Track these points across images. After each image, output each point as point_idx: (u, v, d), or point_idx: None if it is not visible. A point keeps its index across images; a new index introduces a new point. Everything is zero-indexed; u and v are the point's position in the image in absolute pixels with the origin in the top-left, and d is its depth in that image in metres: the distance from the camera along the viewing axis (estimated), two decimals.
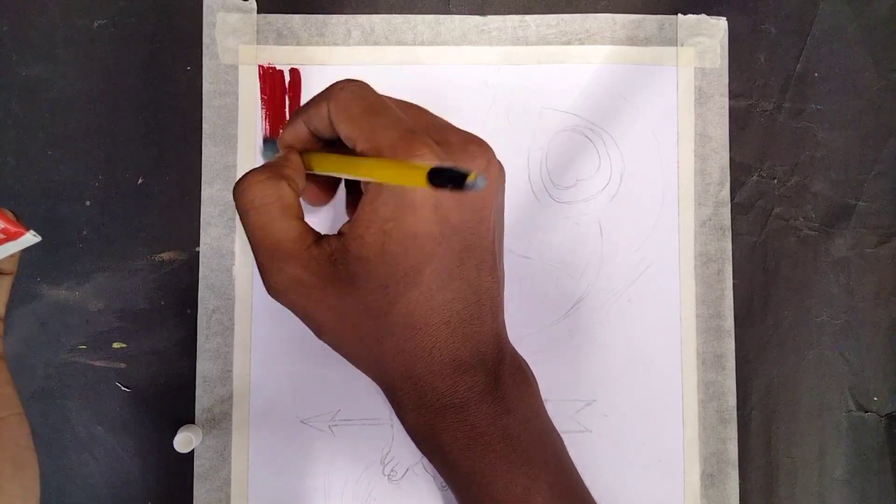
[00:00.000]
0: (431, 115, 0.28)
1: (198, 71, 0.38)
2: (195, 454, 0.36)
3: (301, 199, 0.29)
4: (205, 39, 0.38)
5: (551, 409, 0.38)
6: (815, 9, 0.40)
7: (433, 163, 0.24)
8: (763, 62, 0.40)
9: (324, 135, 0.28)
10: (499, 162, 0.28)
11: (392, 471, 0.37)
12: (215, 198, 0.37)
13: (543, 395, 0.38)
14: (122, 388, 0.37)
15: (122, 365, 0.37)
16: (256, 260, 0.27)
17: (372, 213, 0.25)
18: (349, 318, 0.27)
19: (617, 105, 0.39)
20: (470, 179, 0.20)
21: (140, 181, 0.38)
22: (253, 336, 0.37)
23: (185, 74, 0.38)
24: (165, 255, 0.37)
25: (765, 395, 0.39)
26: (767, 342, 0.39)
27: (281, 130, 0.30)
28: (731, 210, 0.39)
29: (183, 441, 0.34)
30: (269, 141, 0.37)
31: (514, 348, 0.30)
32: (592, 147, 0.38)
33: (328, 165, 0.28)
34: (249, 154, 0.37)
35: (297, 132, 0.29)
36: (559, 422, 0.37)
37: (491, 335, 0.28)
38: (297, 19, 0.38)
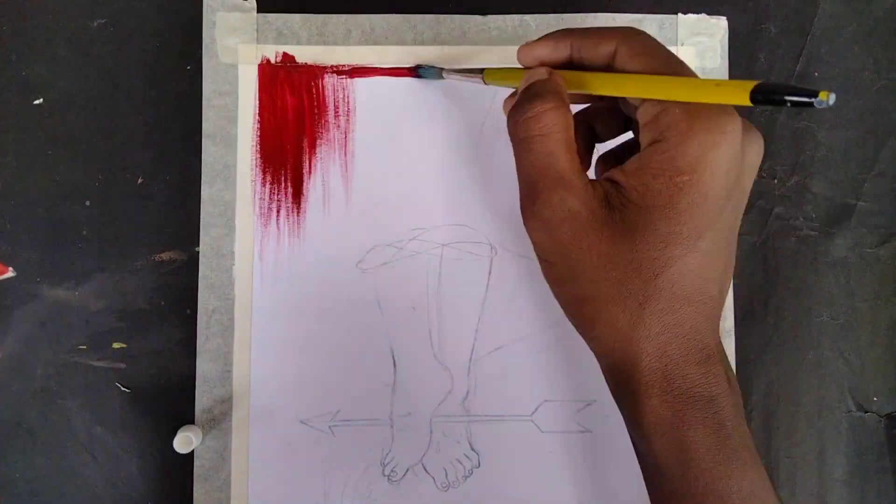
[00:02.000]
0: None
1: (198, 71, 0.38)
2: (195, 454, 0.36)
3: None
4: (205, 39, 0.38)
5: (552, 410, 0.38)
6: (815, 9, 0.40)
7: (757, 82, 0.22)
8: (763, 62, 0.40)
9: (584, 66, 0.28)
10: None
11: (392, 471, 0.37)
12: (215, 198, 0.37)
13: (544, 395, 0.38)
14: (122, 388, 0.37)
15: (122, 365, 0.37)
16: (530, 189, 0.26)
17: (667, 161, 0.24)
18: (616, 269, 0.24)
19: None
20: (822, 98, 0.19)
21: (140, 181, 0.38)
22: (253, 336, 0.37)
23: (185, 74, 0.38)
24: (165, 255, 0.37)
25: (765, 395, 0.39)
26: (767, 342, 0.39)
27: (523, 47, 0.30)
28: None
29: (183, 441, 0.34)
30: (425, 67, 0.37)
31: None
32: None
33: (608, 85, 0.26)
34: (249, 154, 0.37)
35: (555, 52, 0.28)
36: (559, 422, 0.38)
37: (718, 325, 0.26)
38: (297, 18, 0.38)
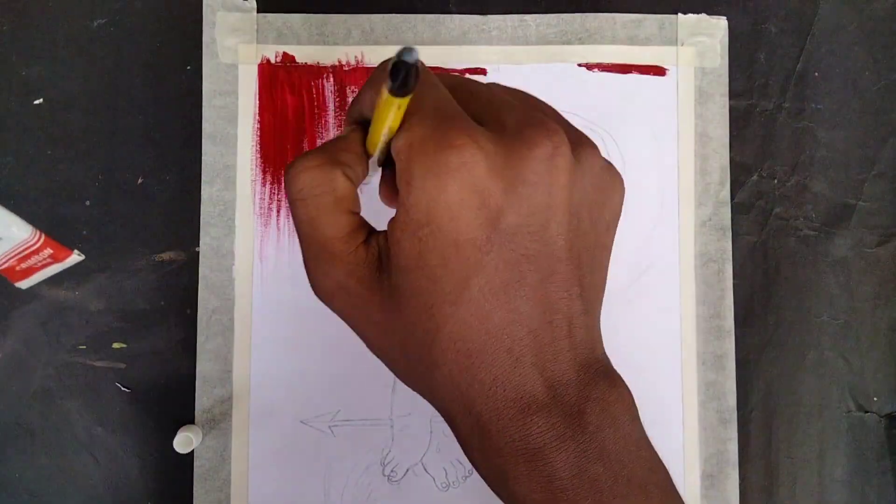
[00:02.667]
0: (489, 90, 0.24)
1: (198, 71, 0.38)
2: (195, 454, 0.36)
3: (374, 196, 0.25)
4: (205, 39, 0.38)
5: None
6: (815, 9, 0.40)
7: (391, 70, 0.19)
8: (763, 62, 0.40)
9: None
10: (589, 147, 0.23)
11: (392, 471, 0.37)
12: (215, 198, 0.37)
13: None
14: (122, 389, 0.37)
15: (122, 365, 0.37)
16: (303, 257, 0.24)
17: (404, 214, 0.21)
18: (395, 336, 0.23)
19: (617, 105, 0.38)
20: (403, 58, 0.17)
21: (140, 181, 0.38)
22: (253, 336, 0.37)
23: (185, 74, 0.38)
24: (165, 255, 0.37)
25: (765, 395, 0.39)
26: (767, 342, 0.39)
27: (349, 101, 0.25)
28: (731, 210, 0.39)
29: (183, 441, 0.34)
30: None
31: (609, 368, 0.24)
32: None
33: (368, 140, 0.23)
34: (249, 154, 0.37)
35: (362, 108, 0.24)
36: None
37: (570, 364, 0.23)
38: (297, 18, 0.38)
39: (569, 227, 0.22)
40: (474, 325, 0.22)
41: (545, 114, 0.23)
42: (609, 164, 0.24)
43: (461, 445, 0.23)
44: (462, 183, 0.20)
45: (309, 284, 0.24)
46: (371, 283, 0.22)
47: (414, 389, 0.24)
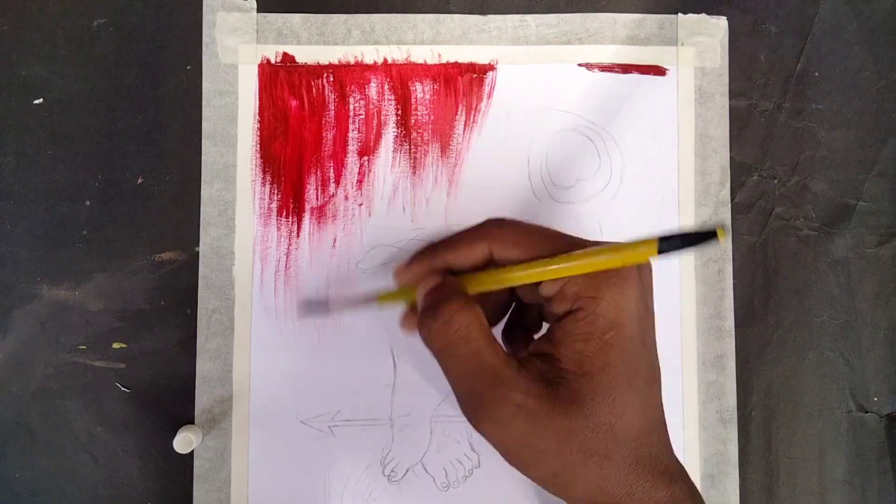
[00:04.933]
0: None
1: (198, 70, 0.38)
2: (195, 454, 0.36)
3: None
4: (205, 39, 0.38)
5: None
6: (815, 9, 0.40)
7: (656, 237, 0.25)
8: (763, 62, 0.40)
9: (465, 268, 0.29)
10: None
11: (392, 471, 0.37)
12: (215, 198, 0.37)
13: None
14: (122, 389, 0.37)
15: (122, 365, 0.37)
16: (469, 395, 0.26)
17: (591, 325, 0.25)
18: (576, 437, 0.25)
19: (617, 105, 0.38)
20: (721, 236, 0.23)
21: (140, 181, 0.38)
22: (253, 336, 0.37)
23: (185, 74, 0.38)
24: (165, 255, 0.37)
25: (765, 395, 0.39)
26: (767, 342, 0.39)
27: (399, 269, 0.31)
28: (731, 210, 0.39)
29: (183, 441, 0.34)
30: (312, 302, 0.37)
31: None
32: (592, 147, 0.38)
33: (508, 278, 0.27)
34: (249, 154, 0.37)
35: (432, 268, 0.29)
36: None
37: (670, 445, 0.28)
38: (297, 18, 0.38)
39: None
40: (640, 409, 0.26)
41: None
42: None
43: None
44: (633, 288, 0.26)
45: (472, 423, 0.26)
46: (548, 397, 0.25)
47: (575, 491, 0.26)
